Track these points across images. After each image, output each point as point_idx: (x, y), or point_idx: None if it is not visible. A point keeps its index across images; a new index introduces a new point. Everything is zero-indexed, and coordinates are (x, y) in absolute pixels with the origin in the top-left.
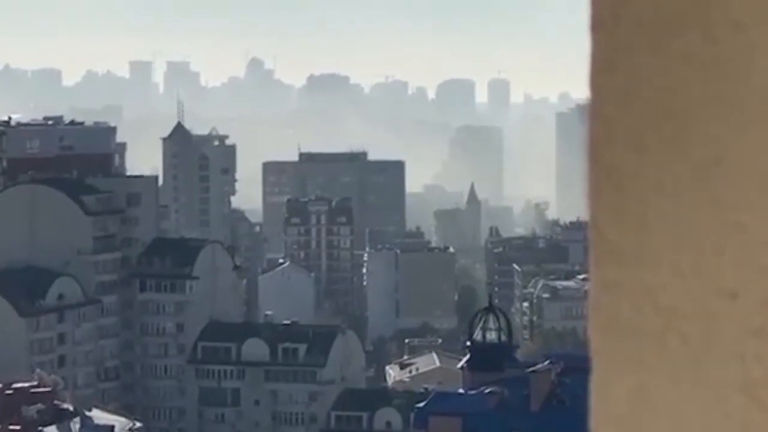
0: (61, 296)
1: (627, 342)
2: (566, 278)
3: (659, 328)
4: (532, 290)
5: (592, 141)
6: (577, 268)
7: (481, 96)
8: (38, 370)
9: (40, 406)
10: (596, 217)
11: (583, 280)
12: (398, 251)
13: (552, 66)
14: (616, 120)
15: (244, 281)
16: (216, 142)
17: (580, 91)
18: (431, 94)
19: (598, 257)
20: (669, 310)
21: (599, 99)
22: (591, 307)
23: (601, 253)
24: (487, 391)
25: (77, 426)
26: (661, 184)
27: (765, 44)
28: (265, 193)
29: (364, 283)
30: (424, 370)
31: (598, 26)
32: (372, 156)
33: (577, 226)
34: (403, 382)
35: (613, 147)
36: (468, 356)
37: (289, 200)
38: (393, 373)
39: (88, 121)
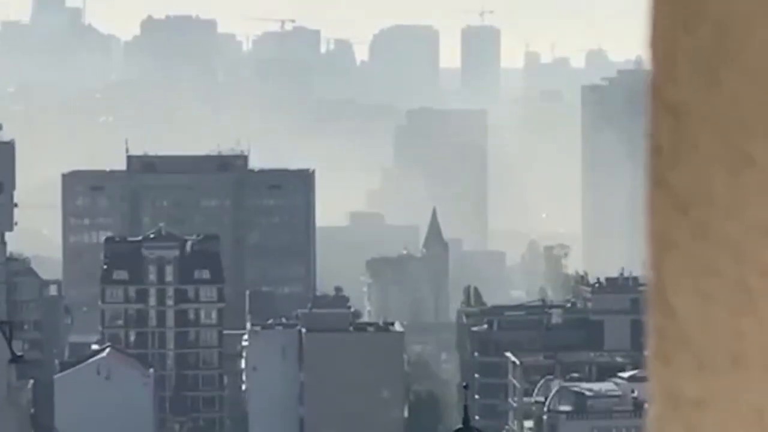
0: None
1: None
2: (600, 377)
3: None
4: (540, 398)
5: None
6: (619, 359)
7: (451, 56)
8: None
9: None
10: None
11: (630, 380)
12: (302, 330)
13: (572, 6)
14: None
15: (31, 383)
16: None
17: (624, 47)
18: (362, 53)
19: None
20: None
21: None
22: None
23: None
24: None
25: None
26: None
27: None
28: (66, 227)
29: (243, 386)
30: None
31: None
32: (256, 161)
33: (620, 285)
34: None
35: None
36: None
37: (109, 240)
38: None
39: None
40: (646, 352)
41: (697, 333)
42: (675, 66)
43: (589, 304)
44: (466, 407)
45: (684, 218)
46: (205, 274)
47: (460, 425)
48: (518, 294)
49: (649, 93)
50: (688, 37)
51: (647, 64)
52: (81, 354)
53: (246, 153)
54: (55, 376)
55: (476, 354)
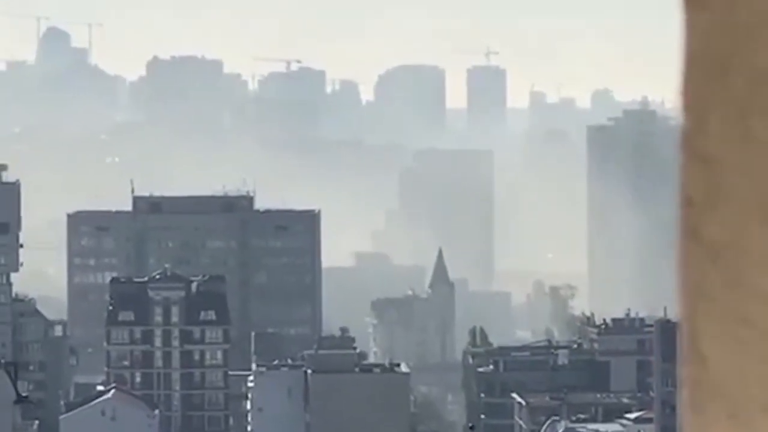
0: None
1: None
2: (606, 418)
3: None
4: None
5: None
6: (625, 400)
7: (457, 97)
8: None
9: None
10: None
11: (637, 421)
12: (308, 371)
13: (579, 47)
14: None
15: (36, 424)
16: None
17: (630, 87)
18: (368, 93)
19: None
20: None
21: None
22: None
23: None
24: None
25: None
26: None
27: None
28: (71, 268)
29: (248, 427)
30: None
31: None
32: (262, 201)
33: (626, 327)
34: None
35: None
36: None
37: (115, 280)
38: None
39: None
40: (653, 394)
41: (730, 382)
42: (706, 116)
43: (596, 345)
44: None
45: (716, 268)
46: (211, 315)
47: None
48: (524, 334)
49: (681, 143)
50: (719, 88)
51: (679, 114)
52: (86, 395)
53: (251, 194)
54: (61, 417)
55: (482, 395)
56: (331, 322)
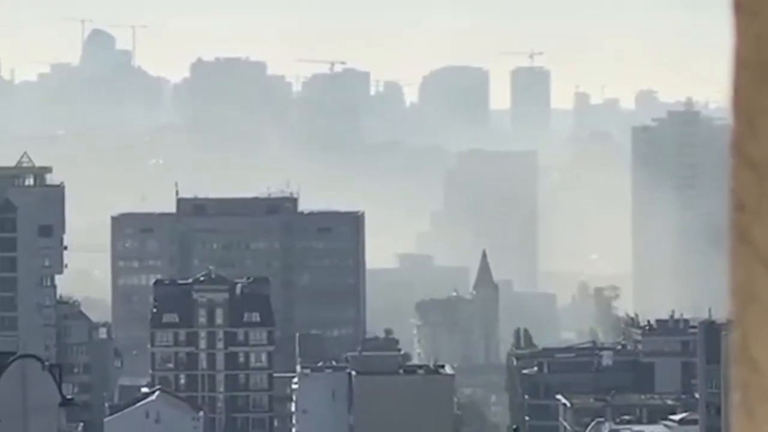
0: None
1: None
2: (651, 420)
3: None
4: None
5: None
6: (670, 401)
7: (501, 98)
8: None
9: None
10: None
11: (681, 422)
12: (352, 373)
13: (623, 47)
14: None
15: (80, 427)
16: (30, 180)
17: (674, 87)
18: (412, 95)
19: None
20: None
21: None
22: None
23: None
24: None
25: None
26: None
27: None
28: (116, 270)
29: (293, 430)
30: None
31: None
32: (305, 203)
33: (671, 328)
34: None
35: None
36: None
37: (159, 282)
38: None
39: None
40: (697, 396)
41: None
42: (756, 122)
43: (640, 346)
44: None
45: (767, 272)
46: (255, 317)
47: None
48: (568, 336)
49: (731, 148)
50: None
51: (728, 120)
52: (131, 397)
53: (295, 195)
54: (105, 420)
55: (526, 396)
56: (375, 324)
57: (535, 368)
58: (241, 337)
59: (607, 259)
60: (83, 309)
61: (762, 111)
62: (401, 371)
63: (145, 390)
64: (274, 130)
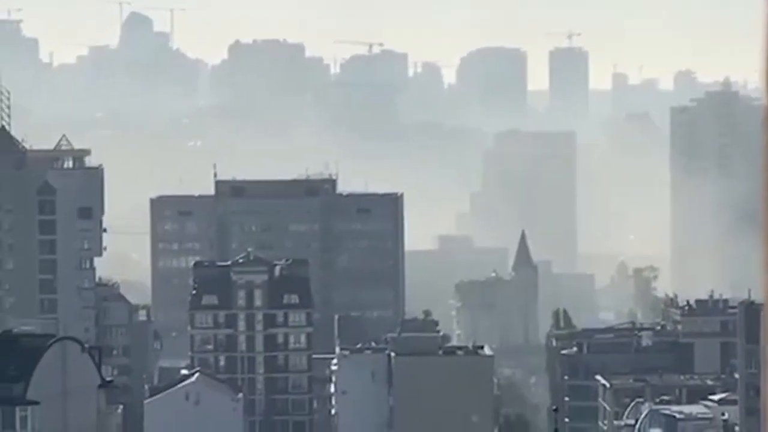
0: None
1: None
2: (690, 400)
3: None
4: (631, 421)
5: None
6: (709, 381)
7: (539, 79)
8: None
9: None
10: None
11: (721, 403)
12: (392, 354)
13: (661, 28)
14: None
15: (120, 409)
16: (69, 162)
17: (713, 68)
18: (450, 76)
19: None
20: None
21: None
22: None
23: None
24: None
25: None
26: None
27: None
28: (155, 252)
29: (332, 411)
30: None
31: None
32: (344, 185)
33: (710, 308)
34: None
35: None
36: None
37: (198, 264)
38: None
39: None
40: (737, 376)
41: None
42: None
43: (679, 327)
44: (556, 430)
45: None
46: (294, 299)
47: None
48: (607, 316)
49: (766, 125)
50: None
51: (763, 97)
52: (170, 379)
53: (334, 177)
54: (145, 402)
55: (566, 377)
56: (414, 305)
57: (575, 349)
58: (280, 319)
59: (646, 239)
60: (122, 291)
61: None
62: (440, 352)
63: (184, 372)
64: (312, 112)
